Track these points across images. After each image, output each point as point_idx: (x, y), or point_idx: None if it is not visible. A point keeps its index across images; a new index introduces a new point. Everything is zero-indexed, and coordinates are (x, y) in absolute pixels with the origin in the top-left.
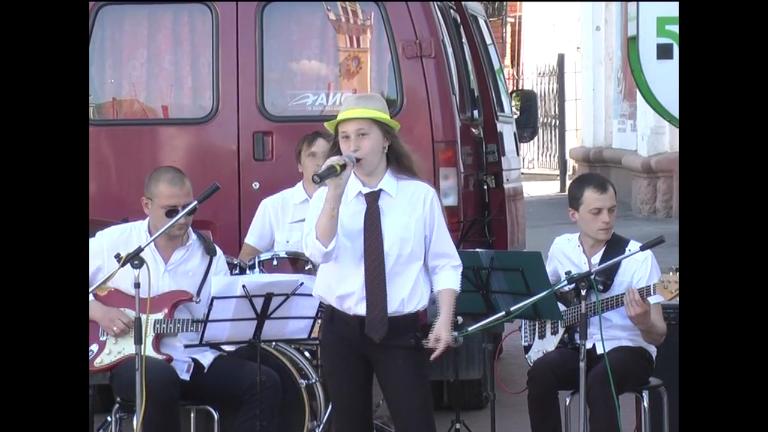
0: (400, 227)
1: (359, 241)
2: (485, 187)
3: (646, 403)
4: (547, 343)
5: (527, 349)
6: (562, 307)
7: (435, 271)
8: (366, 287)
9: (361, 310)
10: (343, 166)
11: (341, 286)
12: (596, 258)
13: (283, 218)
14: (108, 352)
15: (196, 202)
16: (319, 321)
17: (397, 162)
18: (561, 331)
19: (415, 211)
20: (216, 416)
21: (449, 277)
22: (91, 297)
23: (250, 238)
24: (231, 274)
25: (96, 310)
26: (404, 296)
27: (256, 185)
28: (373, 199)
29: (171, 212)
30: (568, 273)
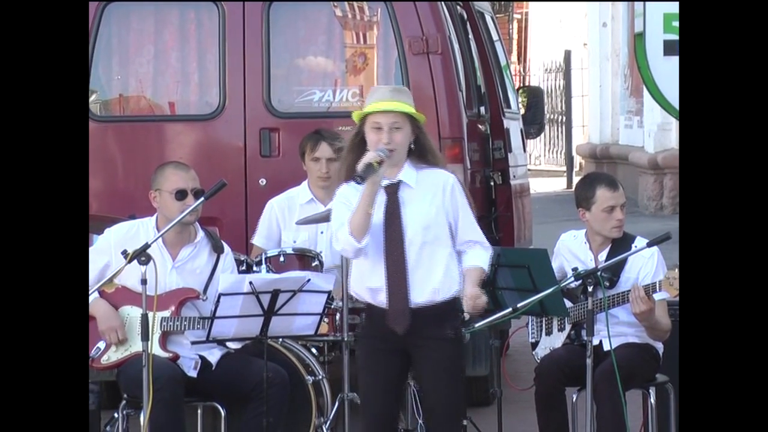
0: (422, 215)
1: (381, 233)
2: (492, 183)
3: (653, 400)
4: (554, 340)
5: (534, 345)
6: (568, 304)
7: (464, 251)
8: (387, 279)
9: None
10: (380, 163)
11: (371, 279)
12: (602, 255)
13: (290, 218)
14: (114, 349)
15: (200, 200)
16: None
17: (420, 155)
18: (568, 327)
19: (435, 197)
20: (223, 413)
21: (478, 256)
22: (97, 294)
23: (258, 239)
24: (238, 270)
25: (100, 309)
26: (436, 285)
27: (262, 182)
28: (393, 191)
29: (180, 194)
30: (574, 270)
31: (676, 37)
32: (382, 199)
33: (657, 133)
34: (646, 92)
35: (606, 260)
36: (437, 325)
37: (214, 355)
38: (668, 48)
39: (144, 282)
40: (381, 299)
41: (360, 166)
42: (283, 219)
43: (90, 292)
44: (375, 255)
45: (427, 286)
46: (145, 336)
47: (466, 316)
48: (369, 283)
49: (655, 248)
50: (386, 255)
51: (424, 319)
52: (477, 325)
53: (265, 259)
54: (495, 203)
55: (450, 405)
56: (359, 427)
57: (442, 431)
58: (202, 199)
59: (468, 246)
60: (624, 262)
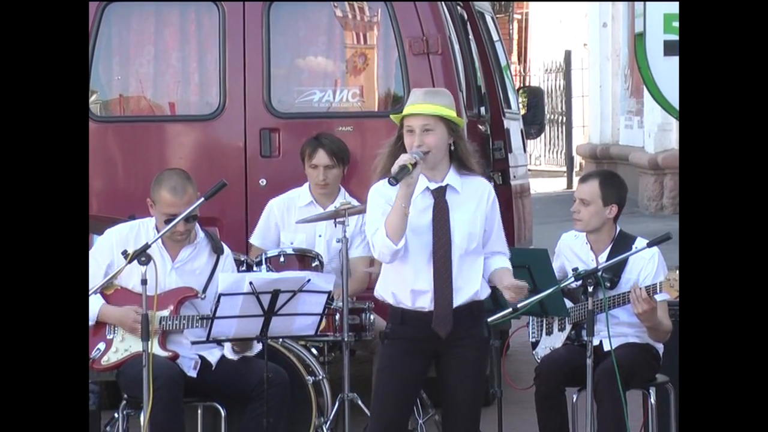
0: (468, 222)
1: (427, 236)
2: (492, 183)
3: (653, 400)
4: (554, 340)
5: (534, 345)
6: (569, 304)
7: (488, 257)
8: (434, 282)
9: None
10: (414, 165)
11: (416, 282)
12: (603, 255)
13: (289, 219)
14: (115, 350)
15: (200, 201)
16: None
17: (459, 159)
18: (568, 327)
19: (480, 206)
20: (223, 413)
21: (504, 261)
22: (101, 300)
23: (256, 239)
24: (238, 271)
25: (112, 313)
26: (477, 288)
27: (262, 182)
28: (440, 194)
29: (170, 221)
30: (575, 270)
31: (676, 37)
32: (429, 201)
33: (657, 133)
34: (646, 92)
35: (606, 260)
36: (473, 325)
37: (214, 355)
38: (668, 48)
39: (144, 282)
40: (422, 303)
41: (394, 168)
42: (282, 220)
43: (91, 293)
44: (419, 258)
45: (467, 291)
46: (146, 336)
47: None
48: (414, 286)
49: (655, 249)
50: (434, 257)
51: (460, 320)
52: None
53: (266, 259)
54: None
55: (475, 402)
56: (369, 426)
57: (464, 426)
58: (202, 200)
59: (492, 254)
60: (625, 262)
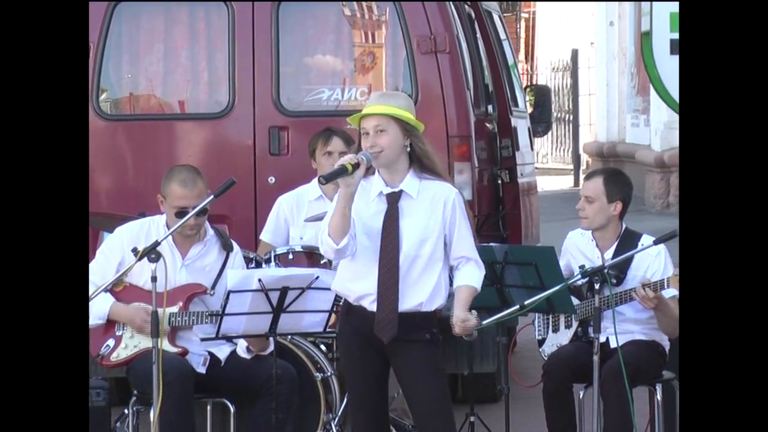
0: (420, 228)
1: (378, 240)
2: (499, 181)
3: (659, 397)
4: (560, 337)
5: (541, 342)
6: (575, 301)
7: (458, 267)
8: (378, 287)
9: (375, 308)
10: (356, 165)
11: (359, 284)
12: (609, 252)
13: (298, 215)
14: (124, 346)
15: (210, 198)
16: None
17: (419, 161)
18: (575, 324)
19: (435, 212)
20: (232, 409)
21: (470, 274)
22: (113, 298)
23: (266, 235)
24: (247, 268)
25: (121, 311)
26: (423, 299)
27: (271, 180)
28: (393, 200)
29: (180, 213)
30: (581, 267)
31: None
32: (382, 207)
33: (663, 131)
34: (652, 91)
35: (613, 258)
36: (414, 330)
37: (223, 351)
38: (675, 47)
39: (154, 279)
40: (364, 303)
41: (335, 167)
42: (291, 216)
43: (100, 291)
44: (367, 261)
45: (414, 298)
46: (155, 332)
47: (474, 313)
48: (356, 287)
49: (662, 246)
50: (380, 264)
51: (402, 324)
52: (484, 322)
53: (274, 256)
54: (502, 201)
55: (432, 398)
56: (352, 421)
57: (432, 425)
58: (208, 200)
59: (461, 262)
60: (631, 259)
